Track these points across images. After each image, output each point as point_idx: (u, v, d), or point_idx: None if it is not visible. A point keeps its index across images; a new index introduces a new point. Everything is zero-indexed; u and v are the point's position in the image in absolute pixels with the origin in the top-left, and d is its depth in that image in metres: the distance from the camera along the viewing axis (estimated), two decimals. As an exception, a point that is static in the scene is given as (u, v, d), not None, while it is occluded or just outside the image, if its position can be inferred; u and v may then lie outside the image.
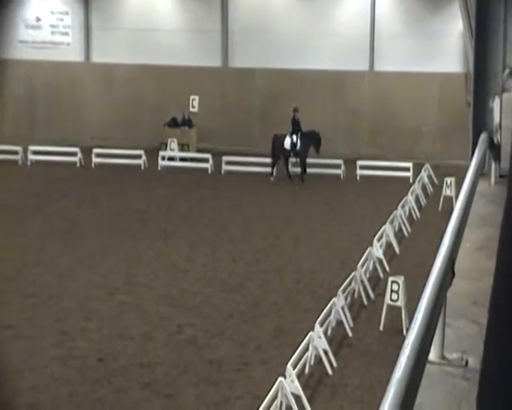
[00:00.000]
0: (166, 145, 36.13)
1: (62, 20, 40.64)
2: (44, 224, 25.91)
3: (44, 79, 40.34)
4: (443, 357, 4.15)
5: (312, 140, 32.66)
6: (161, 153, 35.63)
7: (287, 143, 32.84)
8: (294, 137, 32.87)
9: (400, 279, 16.75)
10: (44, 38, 40.70)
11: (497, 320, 5.66)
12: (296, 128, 33.11)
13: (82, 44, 40.57)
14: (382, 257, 21.28)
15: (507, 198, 7.67)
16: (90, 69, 40.56)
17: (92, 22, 40.43)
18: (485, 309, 4.90)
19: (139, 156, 35.19)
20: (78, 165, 35.39)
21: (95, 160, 35.26)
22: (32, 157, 35.87)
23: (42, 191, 30.51)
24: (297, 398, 13.32)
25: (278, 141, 32.96)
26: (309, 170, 33.01)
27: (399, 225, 24.90)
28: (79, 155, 35.42)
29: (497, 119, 8.76)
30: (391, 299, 16.78)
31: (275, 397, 12.90)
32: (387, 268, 21.07)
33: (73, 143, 36.87)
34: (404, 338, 3.23)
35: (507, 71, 12.40)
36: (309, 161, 33.26)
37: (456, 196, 5.69)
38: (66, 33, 40.69)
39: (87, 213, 27.48)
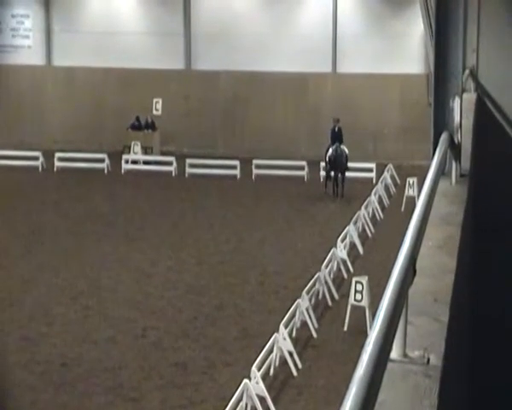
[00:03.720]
0: (130, 148, 35.96)
1: (23, 23, 40.28)
2: (6, 228, 25.64)
3: (5, 83, 39.93)
4: (405, 355, 4.16)
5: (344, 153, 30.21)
6: (125, 156, 35.45)
7: (328, 156, 30.36)
8: (330, 150, 30.15)
9: (364, 279, 16.84)
10: (5, 42, 40.30)
11: (458, 318, 5.72)
12: (335, 140, 30.31)
13: (43, 48, 40.24)
14: (346, 258, 21.37)
15: (467, 198, 7.74)
16: (51, 72, 40.25)
17: (53, 25, 40.12)
18: (446, 307, 4.95)
19: (102, 160, 34.98)
20: (40, 169, 35.09)
21: (57, 164, 34.99)
22: (-7, 161, 35.49)
23: (3, 196, 30.19)
24: (262, 400, 13.33)
25: (326, 152, 30.43)
26: (271, 172, 32.98)
27: (363, 225, 25.03)
28: (41, 159, 35.12)
29: (457, 119, 8.82)
30: (355, 299, 16.86)
31: (240, 399, 12.90)
32: (351, 269, 21.17)
33: (35, 147, 36.56)
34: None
35: (467, 72, 12.53)
36: (271, 162, 33.29)
37: (419, 196, 5.74)
38: (26, 36, 40.34)
39: (49, 218, 27.27)
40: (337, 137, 30.42)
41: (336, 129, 30.67)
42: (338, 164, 29.89)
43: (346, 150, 30.19)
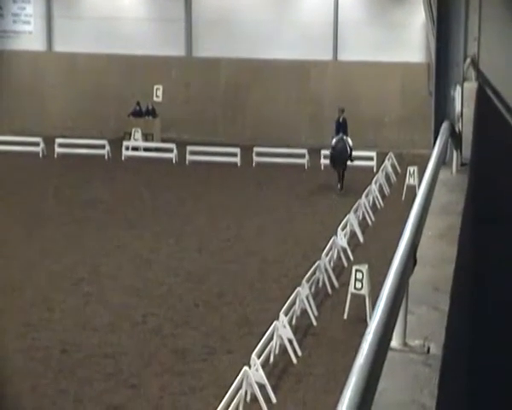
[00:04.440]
0: (130, 135, 35.93)
1: (24, 8, 40.18)
2: (7, 214, 25.65)
3: (6, 68, 39.88)
4: (405, 344, 4.18)
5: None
6: (125, 143, 35.42)
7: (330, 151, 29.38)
8: (333, 141, 29.05)
9: (364, 268, 16.84)
10: (6, 27, 40.22)
11: (459, 307, 5.73)
12: (339, 131, 29.16)
13: (44, 33, 40.17)
14: (346, 246, 21.37)
15: (468, 187, 7.75)
16: (52, 58, 40.18)
17: (54, 11, 40.02)
18: (446, 296, 4.96)
19: (103, 146, 34.95)
20: (40, 155, 35.06)
21: (58, 150, 34.96)
22: (-7, 147, 35.47)
23: (4, 182, 30.18)
24: (262, 387, 13.36)
25: None
26: (272, 159, 32.95)
27: (363, 214, 25.03)
28: (42, 145, 35.09)
29: (458, 108, 8.81)
30: (355, 287, 16.87)
31: (240, 387, 12.93)
32: (351, 257, 21.18)
33: (36, 133, 36.52)
34: (367, 326, 3.24)
35: (468, 60, 12.52)
36: (272, 150, 33.24)
37: (419, 185, 5.74)
38: (27, 22, 40.25)
39: (50, 204, 27.27)
40: (341, 128, 29.36)
41: (341, 120, 29.49)
42: (337, 159, 28.84)
43: (350, 142, 29.25)
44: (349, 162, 29.27)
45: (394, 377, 3.79)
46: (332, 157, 29.23)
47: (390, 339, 3.53)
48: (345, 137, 29.21)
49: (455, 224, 6.60)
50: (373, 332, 3.11)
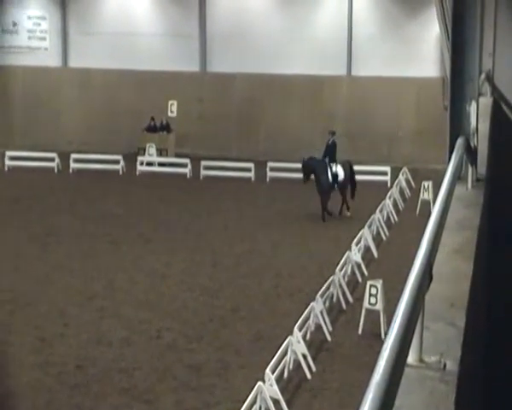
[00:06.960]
0: (145, 150, 36.04)
1: (39, 24, 40.46)
2: (22, 229, 25.76)
3: (21, 85, 40.14)
4: (421, 360, 4.16)
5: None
6: (139, 158, 35.53)
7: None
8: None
9: (379, 283, 16.80)
10: (21, 44, 40.50)
11: (475, 323, 5.71)
12: (326, 155, 27.60)
13: (59, 49, 40.41)
14: (361, 261, 21.33)
15: (483, 202, 7.73)
16: (67, 74, 40.40)
17: (70, 27, 40.29)
18: (462, 312, 4.94)
19: (117, 162, 35.07)
20: (55, 170, 35.20)
21: (73, 165, 35.11)
22: (9, 163, 35.64)
23: (19, 197, 30.34)
24: (276, 402, 13.33)
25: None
26: (286, 174, 32.95)
27: (377, 229, 24.97)
28: (57, 160, 35.23)
29: (473, 123, 8.80)
30: (369, 303, 16.83)
31: (254, 402, 12.91)
32: (366, 272, 21.13)
33: (51, 148, 36.68)
34: (382, 342, 3.24)
35: (483, 75, 12.49)
36: (286, 165, 33.23)
37: (434, 200, 5.73)
38: (43, 38, 40.51)
39: (65, 219, 27.35)
40: (327, 153, 27.62)
41: (330, 142, 27.89)
42: (307, 169, 27.29)
43: (336, 168, 27.24)
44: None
45: (411, 394, 3.78)
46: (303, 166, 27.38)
47: (406, 355, 3.52)
48: (327, 161, 27.30)
49: (471, 240, 6.58)
50: (389, 348, 3.11)
